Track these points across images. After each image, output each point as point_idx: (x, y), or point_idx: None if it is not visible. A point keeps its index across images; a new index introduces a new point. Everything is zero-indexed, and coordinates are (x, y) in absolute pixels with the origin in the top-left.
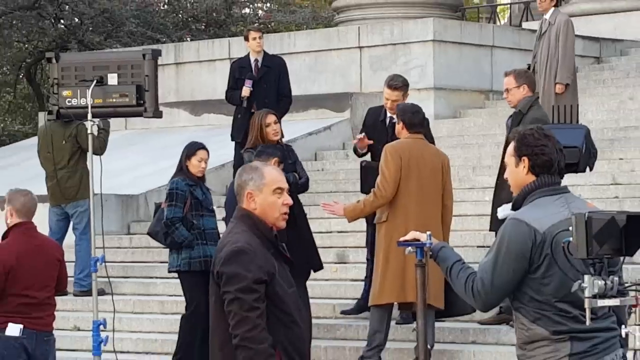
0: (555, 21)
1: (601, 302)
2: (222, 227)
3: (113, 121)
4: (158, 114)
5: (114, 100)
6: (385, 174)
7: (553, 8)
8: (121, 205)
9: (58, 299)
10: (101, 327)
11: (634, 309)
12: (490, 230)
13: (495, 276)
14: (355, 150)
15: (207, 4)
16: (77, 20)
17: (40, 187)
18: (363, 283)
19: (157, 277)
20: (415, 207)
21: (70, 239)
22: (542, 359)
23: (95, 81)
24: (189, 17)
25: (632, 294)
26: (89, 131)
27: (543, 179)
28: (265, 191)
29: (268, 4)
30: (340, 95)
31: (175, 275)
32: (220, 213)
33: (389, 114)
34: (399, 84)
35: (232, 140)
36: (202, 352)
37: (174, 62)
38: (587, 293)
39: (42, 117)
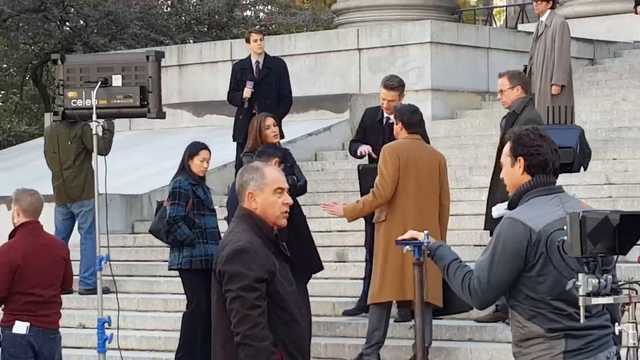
0: (551, 23)
1: (595, 300)
2: (225, 226)
3: (117, 122)
4: (161, 115)
5: (118, 101)
6: (384, 174)
7: (549, 10)
8: (125, 205)
9: (64, 297)
10: (106, 324)
11: (627, 306)
12: (484, 229)
13: (492, 274)
14: (350, 150)
15: (209, 6)
16: (82, 22)
17: (46, 187)
18: (362, 281)
19: (160, 276)
20: (414, 207)
21: (75, 238)
22: (537, 356)
23: (99, 82)
24: (191, 20)
25: (625, 292)
26: (93, 132)
27: (538, 178)
28: (266, 191)
29: (269, 7)
30: (339, 97)
31: (178, 273)
32: (222, 212)
33: (385, 114)
34: (394, 84)
35: (234, 140)
36: (204, 350)
37: (177, 64)
38: (581, 291)
39: (48, 118)
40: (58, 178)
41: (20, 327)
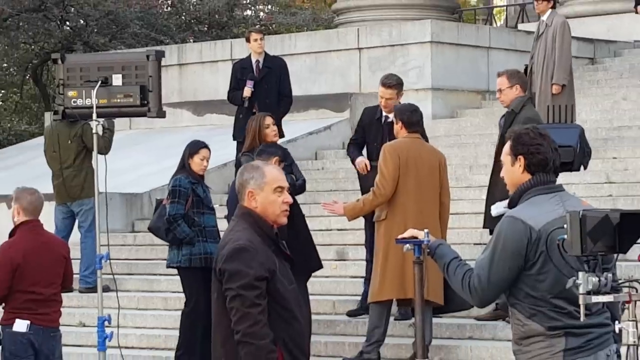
0: (552, 23)
1: (595, 299)
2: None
3: (117, 121)
4: (161, 114)
5: (119, 100)
6: (384, 172)
7: (550, 10)
8: (125, 204)
9: (64, 295)
10: (106, 323)
11: (627, 305)
12: (483, 227)
13: (492, 273)
14: (348, 152)
15: (209, 6)
16: (82, 22)
17: (46, 186)
18: (362, 280)
19: (160, 274)
20: (414, 205)
21: (75, 236)
22: (537, 354)
23: (100, 82)
24: (191, 19)
25: (625, 290)
26: (94, 131)
27: (538, 177)
28: (266, 190)
29: (269, 6)
30: (339, 96)
31: (177, 271)
32: (222, 211)
33: (384, 113)
34: (392, 82)
35: (234, 139)
36: (204, 348)
37: (177, 63)
38: (581, 289)
39: (48, 117)
40: (58, 177)
41: (21, 325)
